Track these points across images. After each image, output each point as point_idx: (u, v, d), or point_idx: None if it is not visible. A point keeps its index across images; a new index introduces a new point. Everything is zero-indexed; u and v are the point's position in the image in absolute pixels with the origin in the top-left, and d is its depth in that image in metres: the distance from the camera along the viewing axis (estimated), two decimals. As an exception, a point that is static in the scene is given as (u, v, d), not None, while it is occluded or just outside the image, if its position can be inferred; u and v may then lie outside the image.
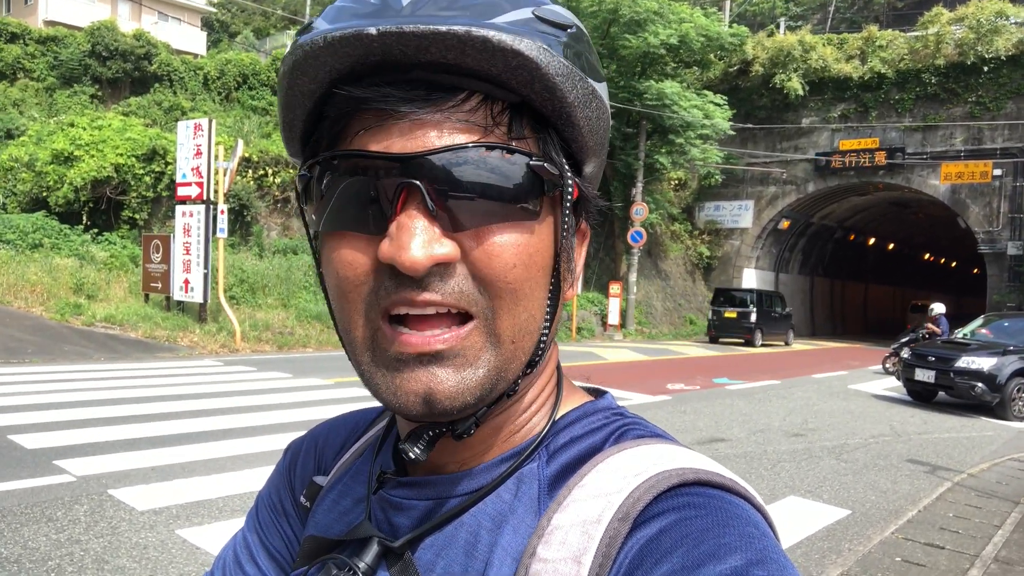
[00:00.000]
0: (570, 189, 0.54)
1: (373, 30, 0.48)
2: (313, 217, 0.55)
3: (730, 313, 22.85)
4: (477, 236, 0.51)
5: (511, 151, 0.51)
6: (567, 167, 0.54)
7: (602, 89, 0.56)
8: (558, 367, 0.64)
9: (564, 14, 0.54)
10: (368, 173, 0.51)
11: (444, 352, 0.50)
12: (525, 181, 0.51)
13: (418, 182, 0.49)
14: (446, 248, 0.50)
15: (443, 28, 0.47)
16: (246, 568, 0.71)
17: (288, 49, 0.52)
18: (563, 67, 0.50)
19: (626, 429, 0.58)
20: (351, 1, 0.52)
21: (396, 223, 0.49)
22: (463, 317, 0.51)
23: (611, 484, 0.51)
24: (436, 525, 0.57)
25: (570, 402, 0.62)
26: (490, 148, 0.50)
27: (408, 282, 0.50)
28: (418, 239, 0.48)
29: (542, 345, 0.55)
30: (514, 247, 0.51)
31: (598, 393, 0.65)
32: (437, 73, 0.50)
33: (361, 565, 0.57)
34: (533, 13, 0.51)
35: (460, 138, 0.50)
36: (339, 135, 0.53)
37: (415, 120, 0.50)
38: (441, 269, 0.50)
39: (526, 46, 0.48)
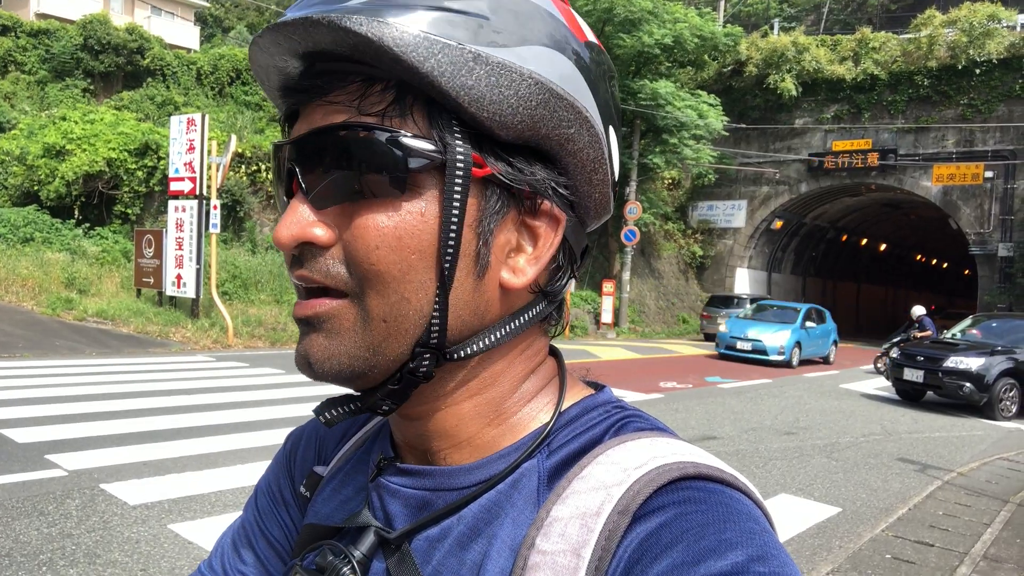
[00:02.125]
0: (459, 166, 0.51)
1: (260, 33, 0.53)
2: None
3: None
4: (347, 216, 0.52)
5: (368, 128, 0.50)
6: (460, 142, 0.51)
7: (516, 55, 0.51)
8: (560, 363, 0.63)
9: None
10: (279, 160, 0.57)
11: (313, 319, 0.54)
12: (387, 158, 0.50)
13: (294, 165, 0.54)
14: (314, 228, 0.52)
15: (290, 19, 0.50)
16: (244, 556, 0.71)
17: None
18: (408, 37, 0.48)
19: (626, 421, 0.58)
20: None
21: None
22: (340, 293, 0.53)
23: (611, 477, 0.51)
24: (434, 518, 0.56)
25: (570, 396, 0.61)
26: (346, 127, 0.51)
27: (295, 260, 0.54)
28: (287, 220, 0.53)
29: (435, 331, 0.53)
30: (375, 228, 0.51)
31: (597, 387, 0.64)
32: (328, 61, 0.52)
33: (357, 554, 0.57)
34: None
35: (333, 120, 0.52)
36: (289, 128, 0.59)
37: (313, 106, 0.54)
38: (312, 248, 0.53)
39: (355, 22, 0.47)
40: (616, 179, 0.61)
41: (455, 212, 0.51)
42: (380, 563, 0.57)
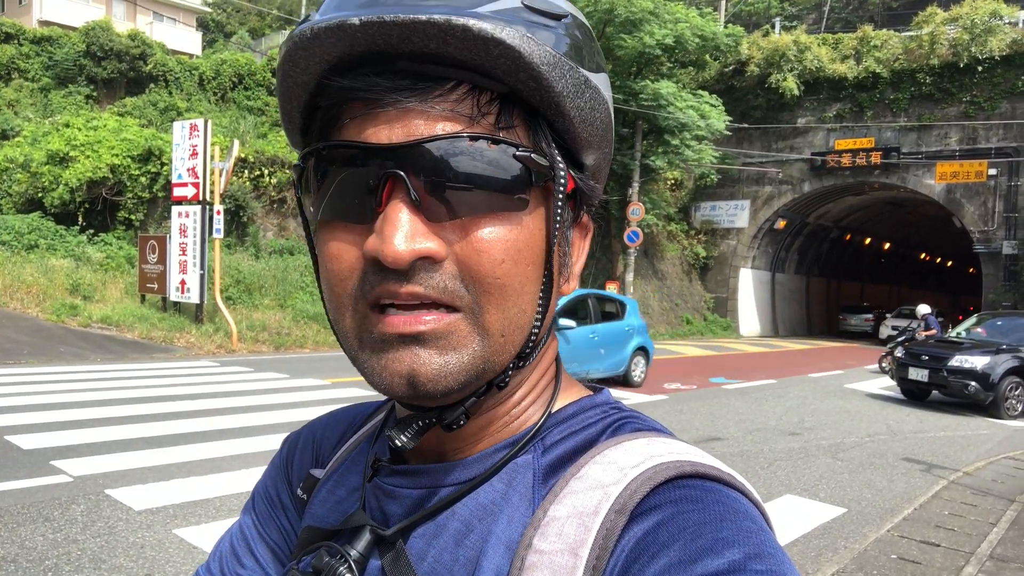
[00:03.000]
0: (563, 180, 0.53)
1: (356, 20, 0.48)
2: (311, 208, 0.55)
3: None
4: (463, 229, 0.50)
5: (496, 141, 0.50)
6: (559, 159, 0.53)
7: (600, 80, 0.55)
8: (557, 361, 0.64)
9: (559, 3, 0.53)
10: (354, 163, 0.51)
11: (427, 334, 0.50)
12: (512, 172, 0.51)
13: (401, 172, 0.49)
14: (430, 242, 0.49)
15: (423, 17, 0.47)
16: (243, 560, 0.72)
17: (284, 41, 0.53)
18: (548, 56, 0.49)
19: (623, 422, 0.58)
20: None
21: (383, 215, 0.50)
22: (450, 307, 0.51)
23: (608, 476, 0.51)
24: (428, 514, 0.57)
25: (568, 396, 0.61)
26: (474, 138, 0.50)
27: (392, 274, 0.50)
28: (401, 232, 0.48)
29: (533, 339, 0.55)
30: (502, 241, 0.51)
31: (596, 389, 0.64)
32: (423, 63, 0.50)
33: (353, 553, 0.57)
34: (522, 2, 0.51)
35: (445, 128, 0.50)
36: (330, 125, 0.53)
37: (401, 109, 0.50)
38: (426, 263, 0.50)
39: (507, 34, 0.48)
40: None
41: (557, 224, 0.53)
42: (376, 561, 0.58)
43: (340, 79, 0.51)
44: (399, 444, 0.55)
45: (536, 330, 0.55)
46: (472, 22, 0.47)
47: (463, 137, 0.50)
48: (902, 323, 25.43)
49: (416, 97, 0.50)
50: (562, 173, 0.53)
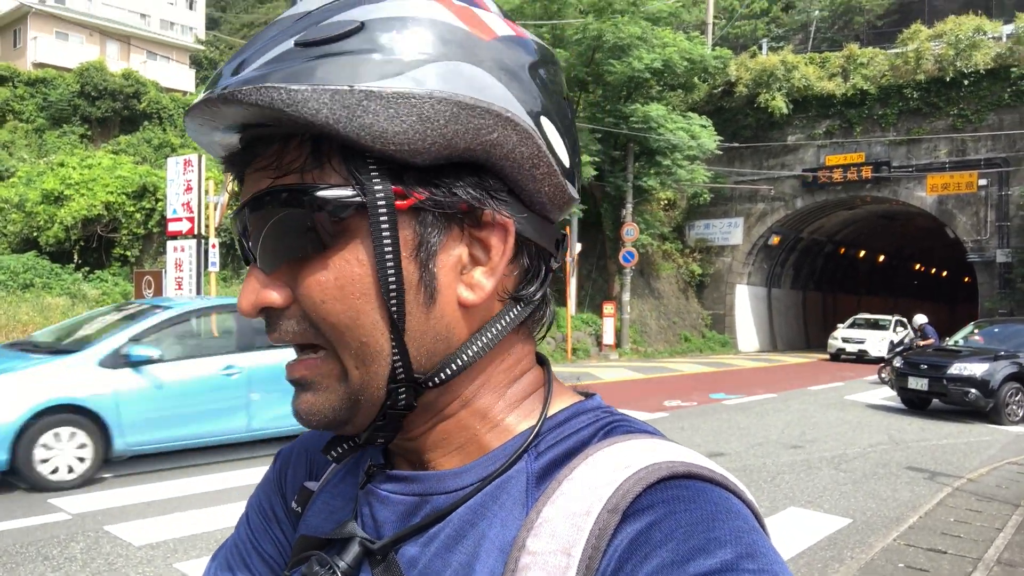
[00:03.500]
0: (380, 204, 0.51)
1: (184, 119, 0.57)
2: None
3: None
4: (292, 276, 0.54)
5: (287, 190, 0.52)
6: (376, 180, 0.51)
7: (405, 81, 0.50)
8: (548, 369, 0.64)
9: (342, 20, 0.51)
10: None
11: (299, 380, 0.56)
12: (309, 215, 0.51)
13: (243, 234, 0.56)
14: (269, 295, 0.54)
15: (197, 102, 0.53)
16: (238, 574, 0.72)
17: None
18: (296, 94, 0.48)
19: (615, 425, 0.58)
20: None
21: None
22: (318, 347, 0.55)
23: (600, 477, 0.51)
24: (422, 526, 0.57)
25: (560, 402, 0.61)
26: (271, 193, 0.53)
27: (266, 324, 0.56)
28: (245, 288, 0.55)
29: (399, 367, 0.54)
30: (315, 284, 0.52)
31: (587, 395, 0.64)
32: (254, 129, 0.54)
33: (341, 564, 0.57)
34: (295, 42, 0.51)
35: (260, 186, 0.54)
36: None
37: (248, 176, 0.56)
38: (273, 311, 0.55)
39: (246, 93, 0.49)
40: (570, 166, 0.59)
41: (388, 249, 0.52)
42: (367, 573, 0.58)
43: (228, 159, 0.58)
44: (332, 458, 0.60)
45: (396, 357, 0.53)
46: (217, 94, 0.51)
47: (263, 194, 0.53)
48: (854, 334, 24.08)
49: (253, 162, 0.55)
50: (379, 196, 0.51)
